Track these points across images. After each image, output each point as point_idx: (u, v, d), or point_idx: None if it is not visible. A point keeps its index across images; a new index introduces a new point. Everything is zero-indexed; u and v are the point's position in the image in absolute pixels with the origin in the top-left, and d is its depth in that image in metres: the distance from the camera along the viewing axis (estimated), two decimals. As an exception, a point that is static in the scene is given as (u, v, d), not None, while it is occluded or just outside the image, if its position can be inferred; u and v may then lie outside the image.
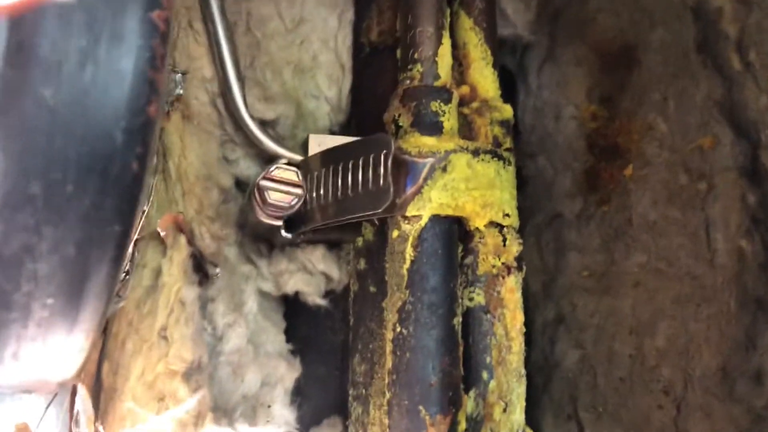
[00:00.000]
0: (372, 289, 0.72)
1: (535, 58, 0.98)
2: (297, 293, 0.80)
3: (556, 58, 0.98)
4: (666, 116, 0.88)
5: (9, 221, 0.48)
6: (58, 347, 0.54)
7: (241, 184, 0.80)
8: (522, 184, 0.93)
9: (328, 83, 0.83)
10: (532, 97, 0.98)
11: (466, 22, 0.79)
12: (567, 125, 0.92)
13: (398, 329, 0.66)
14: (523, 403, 0.69)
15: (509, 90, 0.97)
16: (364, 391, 0.71)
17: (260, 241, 0.79)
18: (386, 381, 0.66)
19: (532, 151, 0.94)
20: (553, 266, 0.88)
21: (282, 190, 0.69)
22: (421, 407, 0.63)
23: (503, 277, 0.71)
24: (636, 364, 0.81)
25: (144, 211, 0.73)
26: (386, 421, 0.65)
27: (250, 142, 0.77)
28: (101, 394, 0.72)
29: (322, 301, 0.78)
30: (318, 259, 0.77)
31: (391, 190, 0.65)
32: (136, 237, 0.72)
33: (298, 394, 0.76)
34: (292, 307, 0.82)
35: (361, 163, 0.67)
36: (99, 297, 0.53)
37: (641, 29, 0.92)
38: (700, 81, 0.87)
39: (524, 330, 0.71)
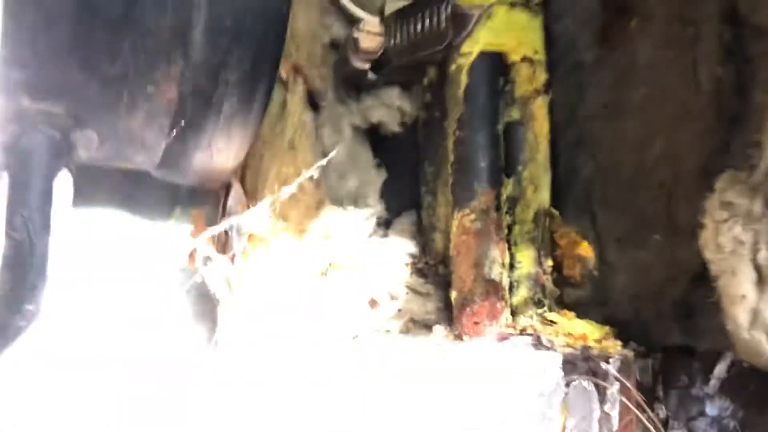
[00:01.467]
0: (436, 114, 0.99)
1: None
2: (379, 126, 1.07)
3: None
4: (666, -22, 1.09)
5: (212, 44, 0.75)
6: (237, 136, 0.83)
7: (334, 45, 1.07)
8: (552, 41, 1.16)
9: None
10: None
11: None
12: (587, -10, 1.15)
13: (457, 134, 0.93)
14: (549, 187, 0.96)
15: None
16: (432, 185, 0.99)
17: (351, 86, 1.06)
18: (450, 170, 0.94)
19: (559, 13, 1.17)
20: (575, 102, 1.13)
21: (369, 39, 0.95)
22: (475, 183, 0.91)
23: (534, 99, 0.96)
24: (637, 170, 1.06)
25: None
26: (450, 197, 0.93)
27: (341, 10, 1.04)
28: (245, 195, 1.02)
29: (398, 129, 1.05)
30: (395, 96, 1.04)
31: (450, 31, 0.90)
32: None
33: (384, 196, 1.04)
34: (376, 138, 1.09)
35: (427, 14, 0.93)
36: (262, 100, 0.81)
37: None
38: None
39: (549, 136, 0.97)
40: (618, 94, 1.11)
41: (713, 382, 1.06)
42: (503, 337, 0.81)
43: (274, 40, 0.79)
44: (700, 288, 0.99)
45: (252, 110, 0.81)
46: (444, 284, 0.94)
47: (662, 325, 1.04)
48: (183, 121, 0.78)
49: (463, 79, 0.93)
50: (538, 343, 0.79)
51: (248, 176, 1.01)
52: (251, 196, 1.01)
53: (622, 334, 1.02)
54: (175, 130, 0.79)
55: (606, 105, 1.11)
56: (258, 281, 0.96)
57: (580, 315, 1.01)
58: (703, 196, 1.02)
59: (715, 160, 1.03)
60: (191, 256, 0.98)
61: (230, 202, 1.01)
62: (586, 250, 0.96)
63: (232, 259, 0.97)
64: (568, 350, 0.79)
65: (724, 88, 1.03)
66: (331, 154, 1.00)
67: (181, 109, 0.77)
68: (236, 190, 0.98)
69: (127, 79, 0.73)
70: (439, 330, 0.88)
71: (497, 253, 0.89)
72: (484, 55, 0.93)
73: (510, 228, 0.94)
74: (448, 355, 0.81)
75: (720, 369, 1.06)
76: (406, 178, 1.06)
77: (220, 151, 0.84)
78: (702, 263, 1.00)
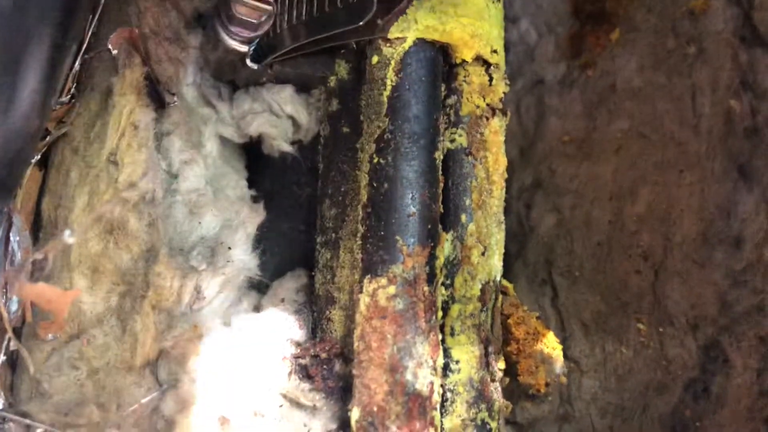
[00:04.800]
0: (345, 130, 0.67)
1: None
2: (261, 144, 0.73)
3: None
4: (656, -20, 0.84)
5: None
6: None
7: (201, 19, 0.72)
8: (505, 48, 0.88)
9: None
10: (517, -40, 0.92)
11: None
12: (553, -11, 0.88)
13: (376, 160, 0.61)
14: (502, 250, 0.65)
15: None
16: (333, 235, 0.66)
17: (221, 82, 0.72)
18: (361, 216, 0.61)
19: (514, 15, 0.89)
20: (532, 132, 0.84)
21: (250, 5, 0.62)
22: (398, 237, 0.58)
23: (488, 119, 0.66)
24: (615, 230, 0.78)
25: (94, 32, 0.65)
26: (359, 255, 0.60)
27: (213, -33, 0.70)
28: (40, 231, 0.65)
29: (288, 148, 0.71)
30: (285, 100, 0.70)
31: (375, 1, 0.58)
32: (84, 57, 0.64)
33: (261, 245, 0.70)
34: (255, 159, 0.75)
35: (341, -26, 0.61)
36: (41, 73, 0.46)
37: None
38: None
39: (506, 176, 0.66)
40: (590, 126, 0.84)
41: None
42: None
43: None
44: (700, 400, 0.72)
45: (24, 89, 0.46)
46: (342, 393, 0.60)
47: (645, 452, 0.76)
48: None
49: (390, 78, 0.61)
50: None
51: (46, 203, 0.65)
52: (49, 234, 0.64)
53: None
54: None
55: (574, 139, 0.83)
56: (40, 375, 0.59)
57: (535, 436, 0.71)
58: (703, 274, 0.75)
59: (718, 225, 0.76)
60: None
61: (11, 242, 0.63)
62: (551, 345, 0.65)
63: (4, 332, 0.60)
64: None
65: (733, 127, 0.77)
66: (194, 181, 0.65)
67: None
68: (18, 226, 0.61)
69: None
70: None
71: (426, 350, 0.57)
72: (421, 46, 0.62)
73: (445, 308, 0.62)
74: None
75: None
76: (296, 221, 0.73)
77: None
78: (702, 366, 0.73)
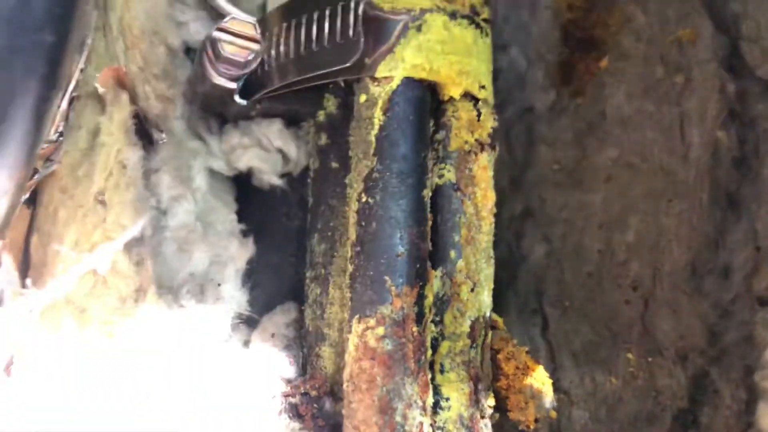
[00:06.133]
0: (334, 165, 0.67)
1: (511, -55, 0.93)
2: (250, 176, 0.73)
3: (532, -54, 0.92)
4: (645, 8, 0.84)
5: None
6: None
7: (190, 52, 0.73)
8: (493, 78, 0.88)
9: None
10: (506, -14, 0.93)
11: None
12: (542, 15, 0.88)
13: (364, 199, 0.61)
14: (491, 286, 0.65)
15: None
16: (323, 271, 0.66)
17: (210, 115, 0.72)
18: (350, 254, 0.61)
19: (504, 43, 0.89)
20: (522, 160, 0.84)
21: (237, 44, 0.62)
22: (387, 278, 0.58)
23: (476, 154, 0.66)
24: (605, 260, 0.78)
25: (81, 69, 0.65)
26: (348, 294, 0.60)
27: (201, 2, 0.70)
28: (29, 271, 0.65)
29: (278, 181, 0.71)
30: (274, 134, 0.70)
31: (362, 41, 0.59)
32: (72, 94, 0.64)
33: (250, 279, 0.70)
34: (244, 191, 0.75)
35: (328, 13, 0.61)
36: (26, 125, 0.46)
37: None
38: (681, -30, 0.83)
39: (495, 211, 0.66)
40: (580, 154, 0.84)
41: None
42: None
43: (49, 9, 0.44)
44: (689, 431, 0.72)
45: (8, 144, 0.46)
46: (331, 431, 0.60)
47: (635, 484, 0.75)
48: None
49: (378, 116, 0.61)
50: None
51: (35, 243, 0.65)
52: (39, 274, 0.64)
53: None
54: None
55: (563, 168, 0.83)
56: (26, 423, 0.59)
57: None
58: (692, 304, 0.75)
59: (707, 255, 0.77)
60: None
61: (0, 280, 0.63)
62: (541, 380, 0.65)
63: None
64: None
65: (721, 157, 0.77)
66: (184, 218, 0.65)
67: None
68: (6, 268, 0.61)
69: None
70: None
71: (415, 391, 0.57)
72: (409, 84, 0.62)
73: (435, 345, 0.62)
74: None
75: None
76: (286, 253, 0.73)
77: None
78: (691, 397, 0.73)
